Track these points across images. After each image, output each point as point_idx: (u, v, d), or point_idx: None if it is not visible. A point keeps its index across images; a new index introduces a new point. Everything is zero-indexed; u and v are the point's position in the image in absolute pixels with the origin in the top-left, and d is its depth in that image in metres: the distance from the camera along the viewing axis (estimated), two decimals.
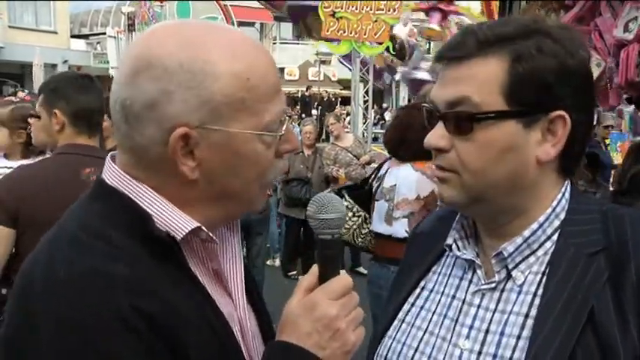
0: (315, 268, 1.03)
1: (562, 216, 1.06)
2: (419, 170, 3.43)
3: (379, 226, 3.60)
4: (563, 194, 1.08)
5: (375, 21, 9.97)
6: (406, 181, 3.48)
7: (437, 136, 1.05)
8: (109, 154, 1.05)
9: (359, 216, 3.70)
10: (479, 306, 1.07)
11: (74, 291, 0.87)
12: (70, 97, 2.49)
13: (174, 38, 0.94)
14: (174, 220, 0.96)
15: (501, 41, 1.00)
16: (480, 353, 1.03)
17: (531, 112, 1.00)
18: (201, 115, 0.92)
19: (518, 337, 1.00)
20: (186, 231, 0.95)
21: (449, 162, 1.05)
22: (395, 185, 3.53)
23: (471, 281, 1.11)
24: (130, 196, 0.97)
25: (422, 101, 4.69)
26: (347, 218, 3.67)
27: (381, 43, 10.22)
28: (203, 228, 0.97)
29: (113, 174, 1.00)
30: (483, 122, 1.00)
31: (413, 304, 1.19)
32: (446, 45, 1.07)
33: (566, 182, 1.09)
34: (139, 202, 0.96)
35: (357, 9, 9.88)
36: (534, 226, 1.05)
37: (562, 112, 1.00)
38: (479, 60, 1.01)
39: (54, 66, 25.21)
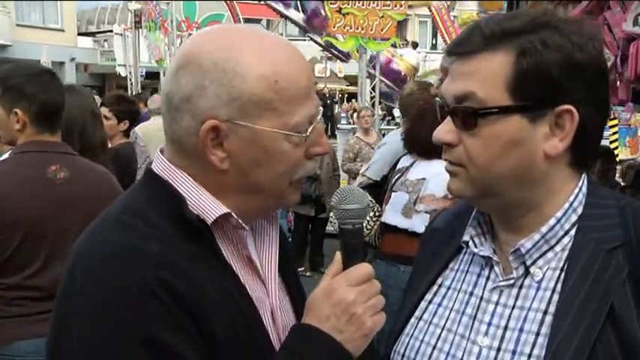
0: (339, 256, 1.08)
1: (579, 210, 1.05)
2: None
3: (393, 217, 3.47)
4: (580, 188, 1.07)
5: (382, 17, 9.92)
6: (438, 177, 3.28)
7: (444, 130, 1.06)
8: (159, 148, 1.13)
9: (379, 216, 3.60)
10: (497, 303, 1.07)
11: (107, 268, 0.96)
12: (33, 97, 2.34)
13: (215, 40, 1.04)
14: (206, 204, 1.04)
15: (507, 36, 1.00)
16: (499, 350, 1.03)
17: (537, 106, 1.00)
18: (230, 110, 1.00)
19: (538, 334, 1.00)
20: (216, 215, 1.03)
21: (457, 156, 1.06)
22: (423, 179, 3.40)
23: (488, 278, 1.10)
24: (170, 181, 1.06)
25: (405, 100, 4.65)
26: (368, 218, 3.57)
27: (387, 39, 10.18)
28: (233, 214, 1.04)
29: (159, 163, 1.09)
30: (488, 117, 1.00)
31: (430, 302, 1.19)
32: (454, 40, 1.08)
33: (583, 176, 1.08)
34: (177, 187, 1.05)
35: (363, 5, 9.85)
36: (552, 221, 1.05)
37: (569, 107, 0.99)
38: (485, 55, 1.01)
39: (61, 64, 25.30)
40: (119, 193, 2.49)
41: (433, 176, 3.33)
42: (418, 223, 3.29)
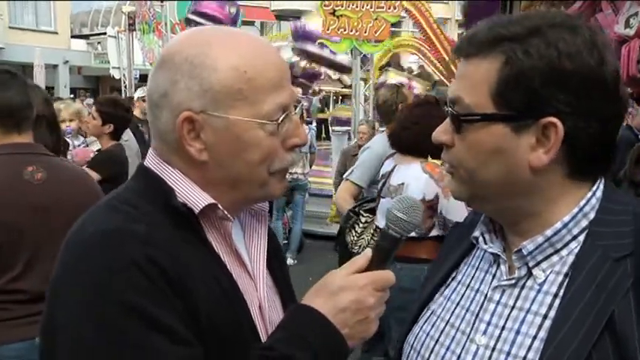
0: (369, 253, 1.09)
1: (591, 215, 1.01)
2: (428, 173, 3.36)
3: (382, 222, 3.50)
4: (594, 193, 1.03)
5: (376, 19, 9.91)
6: (417, 182, 3.37)
7: (441, 130, 1.07)
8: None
9: (366, 226, 3.68)
10: (498, 302, 1.06)
11: (95, 245, 1.00)
12: None
13: (189, 39, 1.11)
14: (193, 195, 1.08)
15: (497, 42, 0.98)
16: (494, 350, 1.02)
17: (520, 117, 0.97)
18: (202, 102, 1.05)
19: (534, 338, 0.98)
20: (203, 205, 1.07)
21: (449, 157, 1.07)
22: (403, 184, 3.43)
23: (494, 276, 1.09)
24: (160, 174, 1.11)
25: (383, 109, 4.67)
26: (368, 237, 3.65)
27: (381, 41, 10.19)
28: (219, 205, 1.08)
29: (150, 158, 1.15)
30: (472, 124, 1.00)
31: (442, 295, 1.19)
32: (462, 38, 1.08)
33: (598, 180, 1.04)
34: (166, 180, 1.10)
35: (357, 7, 9.85)
36: (558, 225, 1.01)
37: (553, 119, 0.95)
38: (476, 60, 1.01)
39: (55, 66, 25.23)
40: (97, 191, 2.51)
41: (412, 180, 3.38)
42: None
